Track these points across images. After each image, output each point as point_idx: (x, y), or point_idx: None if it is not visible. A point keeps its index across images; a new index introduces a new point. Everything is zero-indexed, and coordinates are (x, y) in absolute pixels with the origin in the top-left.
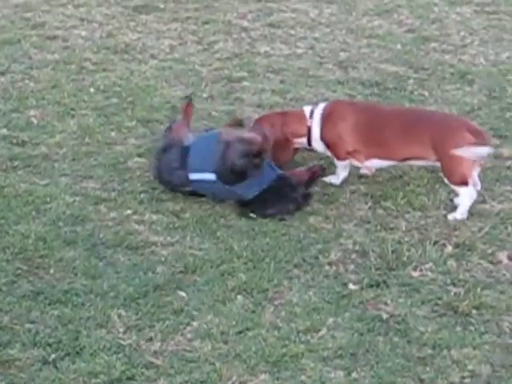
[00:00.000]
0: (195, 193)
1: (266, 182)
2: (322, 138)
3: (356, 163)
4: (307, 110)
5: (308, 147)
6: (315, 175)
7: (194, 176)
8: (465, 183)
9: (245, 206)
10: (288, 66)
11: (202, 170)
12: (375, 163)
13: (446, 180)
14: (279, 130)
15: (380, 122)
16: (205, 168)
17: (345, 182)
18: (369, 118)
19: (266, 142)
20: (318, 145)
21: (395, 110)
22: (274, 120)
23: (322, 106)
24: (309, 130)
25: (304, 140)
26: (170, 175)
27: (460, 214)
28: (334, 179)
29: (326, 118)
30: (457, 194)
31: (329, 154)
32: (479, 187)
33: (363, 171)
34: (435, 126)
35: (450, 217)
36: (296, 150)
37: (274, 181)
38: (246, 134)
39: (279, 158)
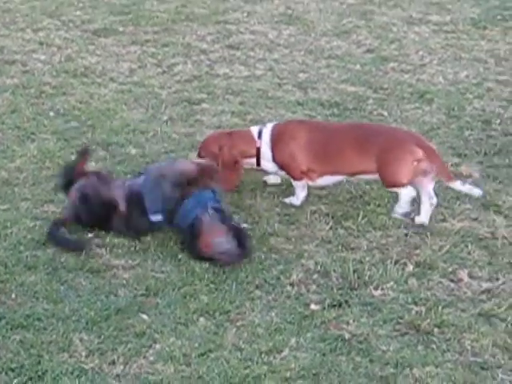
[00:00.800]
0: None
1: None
2: (275, 160)
3: (309, 182)
4: (254, 130)
5: (257, 167)
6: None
7: (153, 218)
8: (402, 185)
9: None
10: (247, 87)
11: (157, 212)
12: (326, 180)
13: (384, 184)
14: (227, 151)
15: (331, 139)
16: (158, 209)
17: (305, 202)
18: (319, 135)
19: (204, 170)
20: (268, 165)
21: (343, 126)
22: (221, 141)
23: (270, 126)
24: (258, 150)
25: (253, 160)
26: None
27: (401, 209)
28: (294, 200)
29: (277, 139)
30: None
31: (281, 173)
32: (435, 201)
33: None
34: (383, 140)
35: (395, 214)
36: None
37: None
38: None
39: (229, 179)
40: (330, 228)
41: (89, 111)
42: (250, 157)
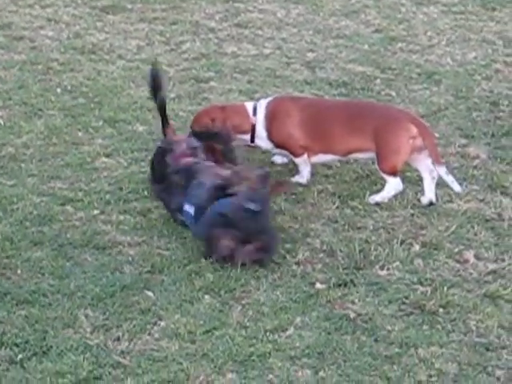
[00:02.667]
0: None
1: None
2: (271, 139)
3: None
4: (249, 106)
5: (250, 144)
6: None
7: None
8: (394, 173)
9: None
10: (255, 66)
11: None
12: (320, 158)
13: (377, 166)
14: (220, 124)
15: (325, 116)
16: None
17: (312, 181)
18: (313, 112)
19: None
20: (263, 143)
21: (339, 103)
22: (214, 114)
23: (264, 103)
24: (253, 127)
25: (247, 137)
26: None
27: (380, 197)
28: (299, 178)
29: (272, 117)
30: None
31: (276, 151)
32: (435, 173)
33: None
34: (378, 117)
35: (371, 200)
36: None
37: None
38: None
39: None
40: (337, 207)
41: (96, 88)
42: (244, 132)
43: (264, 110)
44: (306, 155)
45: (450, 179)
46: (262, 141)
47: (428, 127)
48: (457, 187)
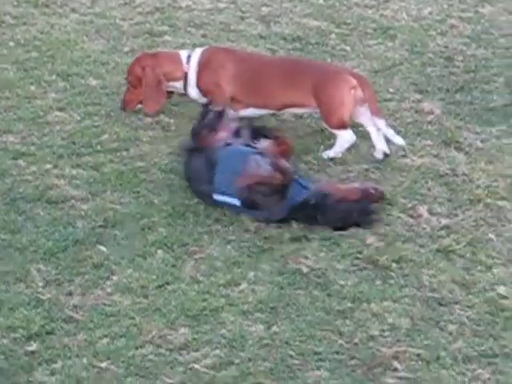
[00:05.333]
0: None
1: (293, 203)
2: (198, 85)
3: (231, 112)
4: (183, 54)
5: (183, 92)
6: (369, 198)
7: (218, 197)
8: (343, 126)
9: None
10: (210, 20)
11: (227, 194)
12: (251, 112)
13: (324, 124)
14: (150, 71)
15: (260, 71)
16: (230, 192)
17: None
18: (248, 66)
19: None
20: (192, 91)
21: (275, 59)
22: (144, 62)
23: (199, 51)
24: (185, 75)
25: (179, 84)
26: (198, 186)
27: (334, 152)
28: None
29: (204, 65)
30: (335, 139)
31: (203, 101)
32: (381, 123)
33: None
34: (316, 73)
35: (324, 155)
36: (170, 93)
37: (305, 199)
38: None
39: (152, 100)
40: (291, 162)
41: (49, 42)
42: (176, 80)
43: (198, 57)
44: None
45: (390, 133)
46: (192, 88)
47: (366, 79)
48: (399, 140)
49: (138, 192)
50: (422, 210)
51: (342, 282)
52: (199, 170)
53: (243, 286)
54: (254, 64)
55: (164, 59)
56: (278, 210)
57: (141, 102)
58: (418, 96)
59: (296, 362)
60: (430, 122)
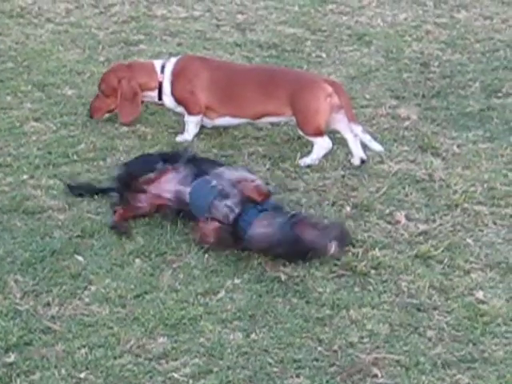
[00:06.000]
0: None
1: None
2: (173, 94)
3: (206, 121)
4: (158, 63)
5: (158, 102)
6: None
7: None
8: (319, 134)
9: None
10: (185, 28)
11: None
12: (227, 121)
13: (300, 132)
14: (126, 83)
15: (235, 80)
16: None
17: (242, 143)
18: (223, 75)
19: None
20: (167, 99)
21: (250, 68)
22: (120, 73)
23: (173, 60)
24: (160, 84)
25: (154, 94)
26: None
27: (311, 159)
28: (186, 136)
29: (178, 74)
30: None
31: (178, 110)
32: (359, 129)
33: None
34: (292, 81)
35: (301, 162)
36: (142, 102)
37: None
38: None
39: (127, 111)
40: (268, 169)
41: (25, 52)
42: (151, 90)
43: (172, 66)
44: (200, 116)
45: (367, 138)
46: (167, 97)
47: (342, 86)
48: (376, 146)
49: None
50: (400, 216)
51: (321, 290)
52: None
53: (221, 294)
54: (229, 72)
55: (139, 70)
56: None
57: (109, 112)
58: (395, 102)
59: (275, 369)
60: (406, 128)
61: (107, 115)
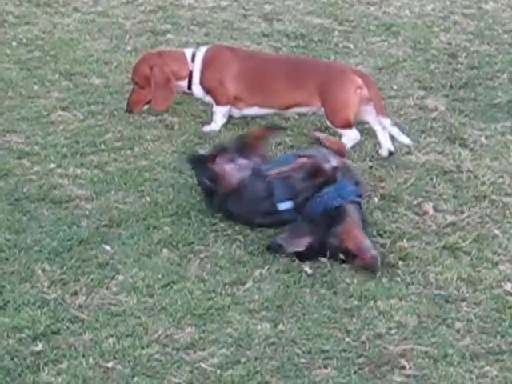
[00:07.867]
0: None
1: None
2: (202, 83)
3: (234, 111)
4: (188, 52)
5: (188, 91)
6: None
7: (282, 206)
8: (348, 126)
9: None
10: (212, 18)
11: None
12: (255, 111)
13: (329, 123)
14: (158, 70)
15: (263, 70)
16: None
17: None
18: (252, 65)
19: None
20: (197, 90)
21: (280, 58)
22: (151, 61)
23: (203, 49)
24: (190, 73)
25: (184, 83)
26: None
27: None
28: (214, 126)
29: (208, 63)
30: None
31: (207, 100)
32: (388, 122)
33: None
34: (322, 72)
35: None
36: None
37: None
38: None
39: (161, 98)
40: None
41: (52, 41)
42: (181, 79)
43: (202, 55)
44: (228, 106)
45: (395, 131)
46: (196, 86)
47: (371, 78)
48: (404, 139)
49: (143, 191)
50: (428, 207)
51: (348, 281)
52: (252, 192)
53: (249, 284)
54: (258, 63)
55: (170, 58)
56: (311, 209)
57: (147, 103)
58: (422, 93)
59: (303, 360)
60: (434, 119)
61: (146, 107)
